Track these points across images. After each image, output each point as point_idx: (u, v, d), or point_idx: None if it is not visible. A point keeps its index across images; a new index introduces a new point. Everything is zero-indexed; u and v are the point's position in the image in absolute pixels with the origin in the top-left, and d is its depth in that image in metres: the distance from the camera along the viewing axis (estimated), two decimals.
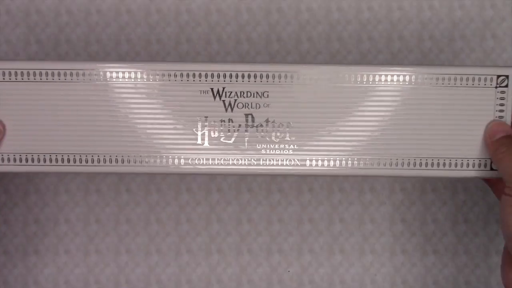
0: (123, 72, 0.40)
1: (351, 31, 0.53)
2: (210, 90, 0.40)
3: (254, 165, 0.40)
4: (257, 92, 0.40)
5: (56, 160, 0.40)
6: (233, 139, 0.40)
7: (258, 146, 0.40)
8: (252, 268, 0.52)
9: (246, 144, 0.40)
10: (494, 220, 0.52)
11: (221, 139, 0.40)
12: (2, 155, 0.40)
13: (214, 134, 0.40)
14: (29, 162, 0.40)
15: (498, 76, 0.39)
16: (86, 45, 0.53)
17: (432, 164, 0.40)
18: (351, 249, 0.52)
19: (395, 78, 0.40)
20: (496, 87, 0.39)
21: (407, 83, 0.40)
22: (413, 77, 0.40)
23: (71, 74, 0.40)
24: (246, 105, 0.40)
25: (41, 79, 0.40)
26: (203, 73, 0.40)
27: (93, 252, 0.53)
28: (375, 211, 0.52)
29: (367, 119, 0.40)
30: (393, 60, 0.52)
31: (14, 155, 0.40)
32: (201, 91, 0.40)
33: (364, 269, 0.52)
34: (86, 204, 0.53)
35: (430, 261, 0.52)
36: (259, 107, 0.40)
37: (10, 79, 0.40)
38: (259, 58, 0.53)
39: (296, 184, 0.52)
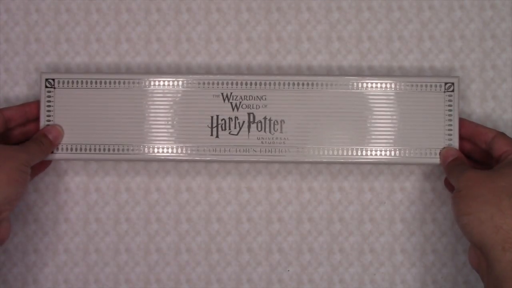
0: (154, 81, 0.50)
1: (351, 31, 0.53)
2: (220, 94, 0.49)
3: (255, 154, 0.49)
4: (257, 96, 0.49)
5: (104, 150, 0.50)
6: (238, 133, 0.49)
7: (258, 138, 0.49)
8: (252, 267, 0.52)
9: (248, 136, 0.49)
10: None
11: (229, 133, 0.49)
12: (62, 145, 0.50)
13: (223, 129, 0.49)
14: (83, 151, 0.50)
15: (446, 83, 0.49)
16: (85, 44, 0.53)
17: (409, 153, 0.49)
18: (351, 249, 0.52)
19: (371, 85, 0.49)
20: (444, 92, 0.49)
21: (383, 89, 0.49)
22: (392, 85, 0.49)
23: (114, 82, 0.50)
24: (249, 106, 0.49)
25: (91, 86, 0.50)
26: (215, 81, 0.49)
27: (93, 251, 0.53)
28: (374, 210, 0.52)
29: (348, 116, 0.49)
30: (393, 60, 0.52)
31: (71, 146, 0.50)
32: (213, 95, 0.49)
33: (364, 268, 0.52)
34: (85, 203, 0.53)
35: (429, 261, 0.52)
36: (259, 108, 0.49)
37: (63, 86, 0.50)
38: (259, 58, 0.53)
39: (296, 183, 0.52)
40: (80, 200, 0.53)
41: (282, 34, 0.53)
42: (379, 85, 0.49)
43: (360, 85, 0.49)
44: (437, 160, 0.49)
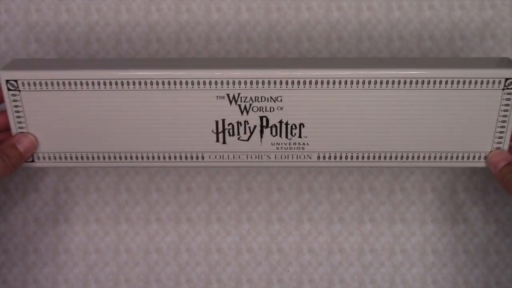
0: (145, 80, 0.42)
1: (351, 31, 0.53)
2: (226, 95, 0.42)
3: (269, 161, 0.43)
4: (271, 97, 0.42)
5: (82, 158, 0.43)
6: (249, 138, 0.43)
7: (273, 144, 0.43)
8: (252, 267, 0.52)
9: (261, 142, 0.43)
10: (493, 219, 0.52)
11: (238, 139, 0.43)
12: (39, 153, 0.44)
13: (231, 134, 0.42)
14: (62, 159, 0.43)
15: (507, 79, 0.40)
16: (86, 44, 0.53)
17: (446, 158, 0.43)
18: (351, 249, 0.52)
19: (403, 81, 0.42)
20: (503, 89, 0.41)
21: (416, 86, 0.42)
22: (428, 80, 0.41)
23: (95, 83, 0.42)
24: (261, 108, 0.42)
25: (64, 88, 0.42)
26: (219, 80, 0.41)
27: (93, 251, 0.53)
28: (374, 210, 0.52)
29: (377, 119, 0.42)
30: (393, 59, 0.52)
31: (48, 154, 0.43)
32: (217, 96, 0.42)
33: (364, 268, 0.52)
34: (85, 203, 0.53)
35: (430, 261, 0.52)
36: (273, 110, 0.42)
37: (35, 88, 0.42)
38: (259, 58, 0.53)
39: (296, 183, 0.52)
40: (80, 200, 0.53)
41: (282, 34, 0.53)
42: (413, 81, 0.42)
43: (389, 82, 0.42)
44: (481, 164, 0.43)
